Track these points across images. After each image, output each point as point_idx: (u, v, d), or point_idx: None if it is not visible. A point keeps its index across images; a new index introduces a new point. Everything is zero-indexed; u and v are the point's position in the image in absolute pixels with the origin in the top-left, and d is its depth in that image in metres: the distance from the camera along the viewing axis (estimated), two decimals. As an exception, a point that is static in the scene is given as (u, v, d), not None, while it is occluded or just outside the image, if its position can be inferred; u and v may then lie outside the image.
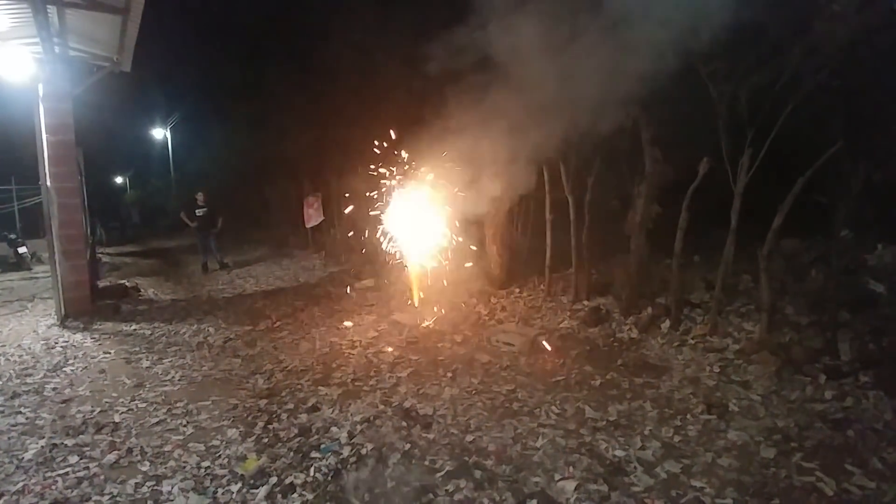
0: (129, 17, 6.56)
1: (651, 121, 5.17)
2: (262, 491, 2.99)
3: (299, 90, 12.53)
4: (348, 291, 7.96)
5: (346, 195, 10.00)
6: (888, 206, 4.68)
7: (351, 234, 9.68)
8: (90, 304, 7.40)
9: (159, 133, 30.51)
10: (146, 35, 7.30)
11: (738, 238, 4.85)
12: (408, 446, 3.40)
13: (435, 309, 6.52)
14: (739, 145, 4.62)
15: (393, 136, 7.08)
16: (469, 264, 7.10)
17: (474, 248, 7.11)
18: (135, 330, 6.57)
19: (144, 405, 4.26)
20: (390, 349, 5.35)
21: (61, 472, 3.28)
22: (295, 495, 2.95)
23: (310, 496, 2.93)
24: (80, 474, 3.25)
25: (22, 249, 12.44)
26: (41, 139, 7.25)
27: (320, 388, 4.48)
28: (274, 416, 3.97)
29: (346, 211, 10.07)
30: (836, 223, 4.56)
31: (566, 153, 5.96)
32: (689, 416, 3.69)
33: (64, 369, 5.14)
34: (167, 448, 3.54)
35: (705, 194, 5.02)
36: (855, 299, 4.52)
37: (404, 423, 3.72)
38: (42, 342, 6.03)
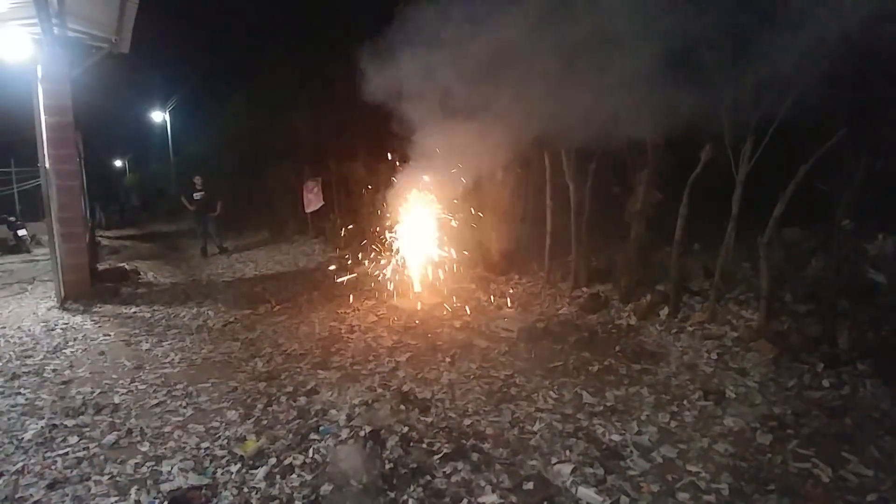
0: (127, -3, 6.51)
1: (653, 107, 5.13)
2: (262, 471, 3.00)
3: (300, 74, 12.43)
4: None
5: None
6: (889, 195, 4.67)
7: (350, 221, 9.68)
8: (90, 287, 7.41)
9: (158, 116, 30.30)
10: (145, 17, 7.24)
11: (738, 226, 4.84)
12: (406, 429, 3.42)
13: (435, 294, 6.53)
14: (742, 133, 4.59)
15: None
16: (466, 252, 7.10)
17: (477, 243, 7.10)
18: (134, 313, 6.59)
19: (144, 387, 4.28)
20: (389, 334, 5.36)
21: (61, 452, 3.29)
22: (294, 476, 2.96)
23: (308, 477, 2.95)
24: (80, 454, 3.26)
25: (21, 232, 12.45)
26: (40, 121, 7.20)
27: (319, 371, 4.50)
28: (273, 398, 3.99)
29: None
30: (837, 212, 4.55)
31: (568, 139, 5.94)
32: (685, 402, 3.70)
33: (64, 351, 5.16)
34: (167, 429, 3.56)
35: (706, 182, 5.00)
36: (854, 288, 4.52)
37: (402, 407, 3.74)
38: (42, 324, 6.04)
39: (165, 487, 2.90)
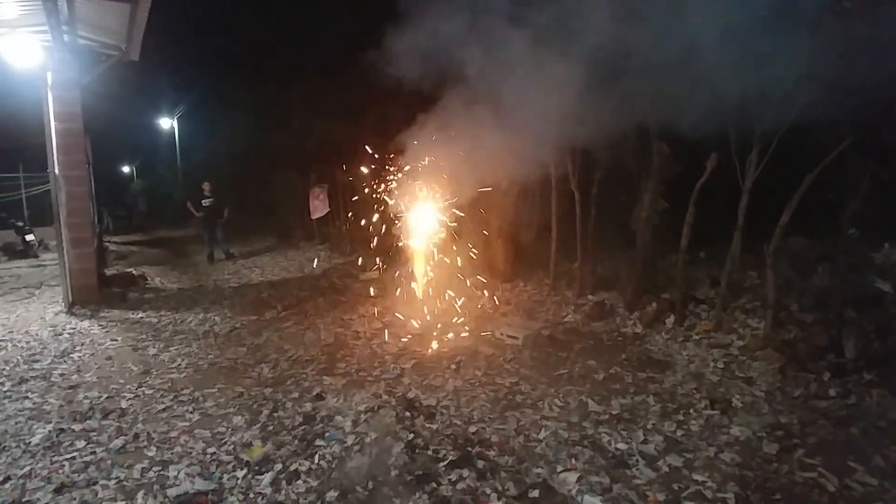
0: (137, 5, 6.56)
1: (659, 115, 5.14)
2: (267, 477, 3.02)
3: (306, 81, 12.53)
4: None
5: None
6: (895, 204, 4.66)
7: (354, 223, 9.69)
8: (97, 292, 7.45)
9: (166, 123, 30.47)
10: (154, 24, 7.30)
11: (744, 235, 4.84)
12: (411, 436, 3.42)
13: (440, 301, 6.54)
14: (748, 141, 4.60)
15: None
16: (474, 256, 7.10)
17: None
18: (141, 318, 6.62)
19: (151, 392, 4.31)
20: (394, 340, 5.37)
21: (68, 456, 3.32)
22: (299, 482, 2.98)
23: (314, 483, 2.96)
24: (87, 459, 3.29)
25: (29, 237, 12.52)
26: (49, 127, 7.28)
27: (325, 377, 4.51)
28: (279, 404, 4.00)
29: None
30: (843, 221, 4.55)
31: (573, 147, 5.95)
32: (691, 410, 3.70)
33: (71, 356, 5.19)
34: (173, 434, 3.58)
35: (713, 190, 5.01)
36: (861, 297, 4.51)
37: (408, 414, 3.74)
38: (49, 329, 6.08)
39: (172, 492, 2.92)
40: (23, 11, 6.64)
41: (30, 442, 3.50)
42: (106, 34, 7.65)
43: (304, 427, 3.62)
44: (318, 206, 12.09)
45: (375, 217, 7.11)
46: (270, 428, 3.63)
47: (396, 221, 6.95)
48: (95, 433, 3.61)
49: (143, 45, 7.81)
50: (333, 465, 3.13)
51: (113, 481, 3.05)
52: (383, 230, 7.32)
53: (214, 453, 3.32)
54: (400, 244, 7.09)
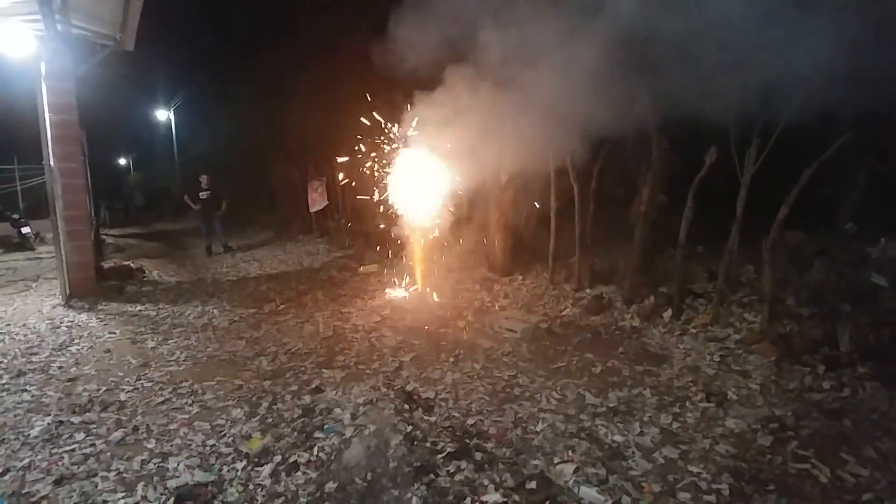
0: (132, -5, 6.52)
1: (658, 109, 5.14)
2: (267, 469, 3.04)
3: (304, 72, 12.46)
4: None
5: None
6: (893, 199, 4.68)
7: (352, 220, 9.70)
8: (95, 285, 7.44)
9: (163, 114, 30.32)
10: (149, 14, 7.23)
11: (742, 229, 4.86)
12: (409, 428, 3.45)
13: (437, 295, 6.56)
14: (747, 135, 4.61)
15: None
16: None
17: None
18: (140, 311, 6.62)
19: (150, 384, 4.31)
20: (393, 333, 5.39)
21: (67, 448, 3.33)
22: (299, 474, 3.00)
23: (313, 474, 2.98)
24: (87, 451, 3.30)
25: (25, 230, 12.47)
26: (44, 119, 7.22)
27: (324, 370, 4.53)
28: (278, 396, 4.02)
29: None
30: (840, 216, 4.56)
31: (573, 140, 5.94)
32: (688, 403, 3.73)
33: (69, 348, 5.19)
34: (173, 426, 3.59)
35: (711, 185, 5.02)
36: (856, 292, 4.54)
37: (406, 406, 3.77)
38: (47, 322, 6.07)
39: (172, 484, 2.93)
40: (14, -1, 6.57)
41: (29, 434, 3.51)
42: (100, 23, 7.55)
43: (303, 419, 3.64)
44: (317, 200, 12.09)
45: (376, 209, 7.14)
46: (270, 420, 3.65)
47: (395, 213, 6.97)
48: (94, 425, 3.63)
49: (139, 34, 7.73)
50: (332, 457, 3.15)
51: (112, 473, 3.06)
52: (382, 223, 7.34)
53: (214, 445, 3.34)
54: (399, 237, 7.12)
